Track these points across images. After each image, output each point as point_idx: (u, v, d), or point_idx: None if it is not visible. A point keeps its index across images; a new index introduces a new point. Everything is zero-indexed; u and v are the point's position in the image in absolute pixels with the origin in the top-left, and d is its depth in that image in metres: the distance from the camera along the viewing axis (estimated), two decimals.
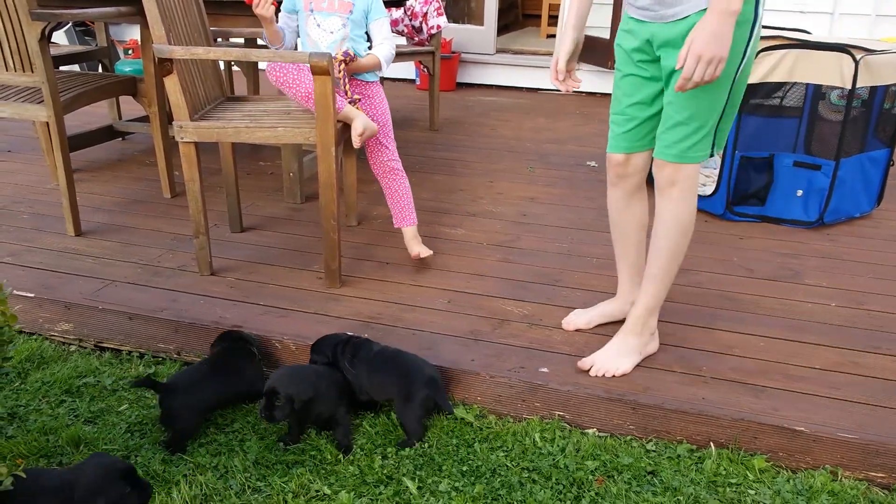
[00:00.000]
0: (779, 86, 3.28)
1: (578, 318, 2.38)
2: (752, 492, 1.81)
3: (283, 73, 2.55)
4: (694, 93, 1.85)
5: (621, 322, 2.24)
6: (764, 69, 3.03)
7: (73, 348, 2.46)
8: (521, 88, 6.34)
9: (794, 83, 3.23)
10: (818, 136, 3.27)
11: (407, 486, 1.80)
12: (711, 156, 2.00)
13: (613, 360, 2.12)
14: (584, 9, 2.13)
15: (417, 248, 2.75)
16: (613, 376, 2.10)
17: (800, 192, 3.19)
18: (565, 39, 2.14)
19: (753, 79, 3.03)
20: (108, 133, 4.03)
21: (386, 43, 2.74)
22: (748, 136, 3.19)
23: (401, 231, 2.83)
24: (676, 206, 2.01)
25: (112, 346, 2.45)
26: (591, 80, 6.10)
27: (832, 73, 2.99)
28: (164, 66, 2.37)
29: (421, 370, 2.02)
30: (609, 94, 6.01)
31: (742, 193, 3.27)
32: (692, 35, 1.72)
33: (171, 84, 2.39)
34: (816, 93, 3.22)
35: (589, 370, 2.11)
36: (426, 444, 1.97)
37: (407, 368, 2.03)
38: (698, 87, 1.79)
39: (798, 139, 3.32)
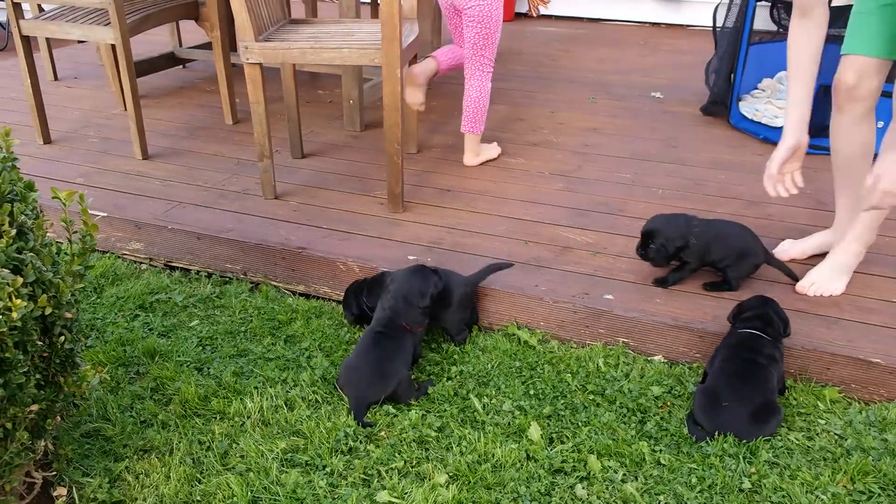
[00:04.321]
0: None
1: (792, 248, 2.36)
2: (823, 421, 1.78)
3: None
4: None
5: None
6: None
7: (144, 267, 2.53)
8: (582, 18, 6.12)
9: None
10: None
11: (472, 404, 1.83)
12: None
13: (829, 281, 2.16)
14: (806, 109, 2.04)
15: (467, 157, 3.03)
16: (832, 295, 2.14)
17: (880, 124, 3.02)
18: (786, 140, 2.06)
19: (839, 1, 2.85)
20: (169, 60, 4.06)
21: None
22: (829, 63, 3.01)
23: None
24: None
25: (181, 265, 2.51)
26: (655, 9, 5.84)
27: None
28: None
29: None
30: (675, 25, 5.81)
31: (819, 125, 3.10)
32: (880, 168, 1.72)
33: (237, 2, 2.37)
34: None
35: (809, 290, 2.15)
36: (489, 365, 1.98)
37: None
38: None
39: None
